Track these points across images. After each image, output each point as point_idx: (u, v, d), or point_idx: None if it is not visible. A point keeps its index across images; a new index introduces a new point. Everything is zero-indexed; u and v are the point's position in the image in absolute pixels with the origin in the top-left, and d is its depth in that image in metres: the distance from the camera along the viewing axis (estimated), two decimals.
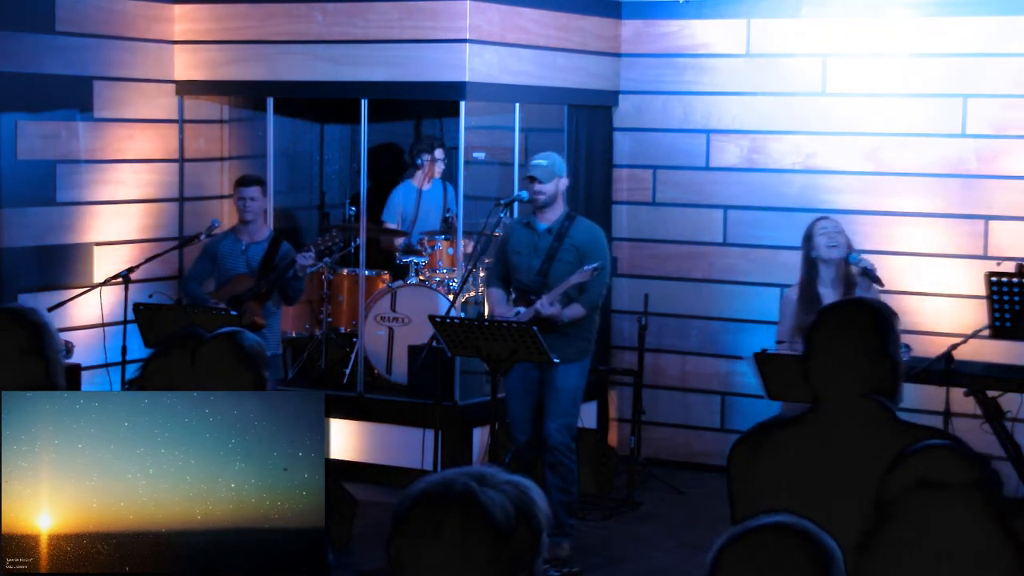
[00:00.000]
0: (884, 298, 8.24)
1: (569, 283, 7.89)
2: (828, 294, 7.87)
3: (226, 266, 8.83)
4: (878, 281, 7.93)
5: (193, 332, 4.38)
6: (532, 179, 8.02)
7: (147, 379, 4.28)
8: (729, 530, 2.45)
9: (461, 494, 2.35)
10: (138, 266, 9.01)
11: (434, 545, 2.33)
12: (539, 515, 2.40)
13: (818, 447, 3.55)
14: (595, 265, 7.86)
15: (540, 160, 8.11)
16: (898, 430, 3.51)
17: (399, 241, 10.30)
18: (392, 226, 10.31)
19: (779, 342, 7.92)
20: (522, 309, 7.98)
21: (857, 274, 7.90)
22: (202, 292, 8.84)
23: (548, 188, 8.01)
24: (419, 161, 10.41)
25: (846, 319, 3.66)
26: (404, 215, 10.39)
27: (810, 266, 7.99)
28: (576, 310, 7.95)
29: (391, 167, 10.98)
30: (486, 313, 8.57)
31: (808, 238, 8.06)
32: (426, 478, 2.40)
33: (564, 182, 8.14)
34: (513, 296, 8.18)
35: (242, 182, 8.95)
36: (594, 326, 8.19)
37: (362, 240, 9.80)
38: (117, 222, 9.65)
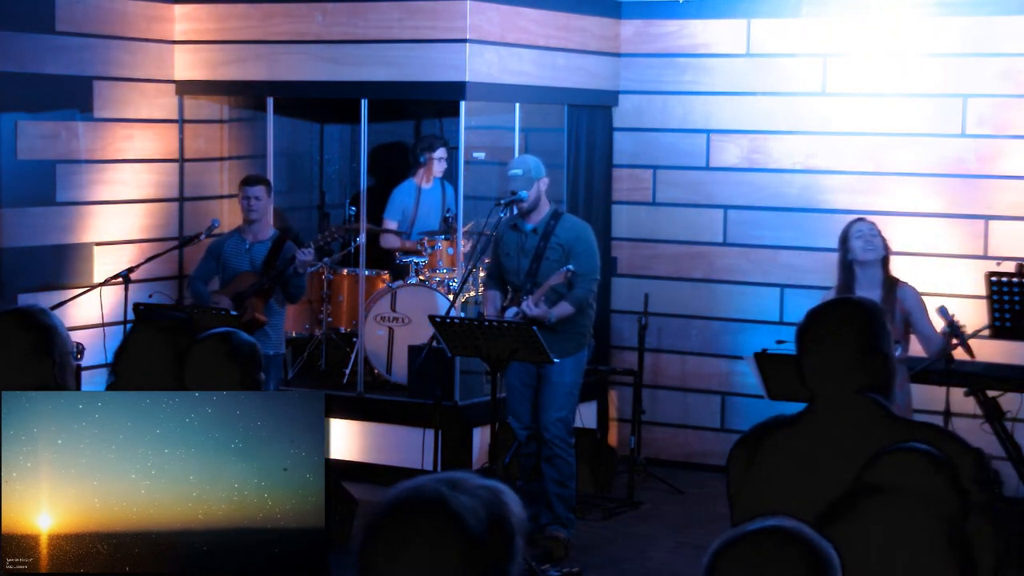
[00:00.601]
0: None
1: (548, 285, 7.92)
2: (867, 296, 7.61)
3: (230, 265, 8.85)
4: (965, 345, 7.52)
5: (174, 325, 4.36)
6: (513, 193, 8.05)
7: (119, 378, 4.28)
8: (724, 534, 2.44)
9: (433, 500, 2.32)
10: (138, 266, 9.02)
11: (407, 553, 2.30)
12: (513, 520, 2.37)
13: (816, 446, 3.55)
14: (569, 268, 7.87)
15: (515, 171, 8.09)
16: (894, 427, 3.51)
17: (396, 240, 10.31)
18: (393, 224, 10.32)
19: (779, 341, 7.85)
20: (515, 309, 8.01)
21: (944, 333, 7.54)
22: (206, 291, 8.86)
23: (530, 195, 8.04)
24: (422, 159, 10.42)
25: (837, 319, 3.66)
26: (405, 213, 10.40)
27: (847, 269, 7.68)
28: (564, 308, 7.97)
29: (396, 166, 10.99)
30: (485, 313, 8.58)
31: (844, 240, 7.71)
32: (398, 486, 2.37)
33: (544, 182, 8.14)
34: (509, 296, 8.22)
35: (247, 181, 8.97)
36: (587, 321, 8.19)
37: (362, 240, 9.80)
38: (117, 222, 9.65)
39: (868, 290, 7.57)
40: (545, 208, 8.13)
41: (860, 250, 7.64)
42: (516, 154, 9.73)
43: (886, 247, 7.71)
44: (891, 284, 7.64)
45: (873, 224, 7.77)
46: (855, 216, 8.06)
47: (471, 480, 2.38)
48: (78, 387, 8.34)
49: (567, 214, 8.37)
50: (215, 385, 4.00)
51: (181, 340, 4.31)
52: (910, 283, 7.68)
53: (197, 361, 4.16)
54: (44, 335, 4.24)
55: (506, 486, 2.42)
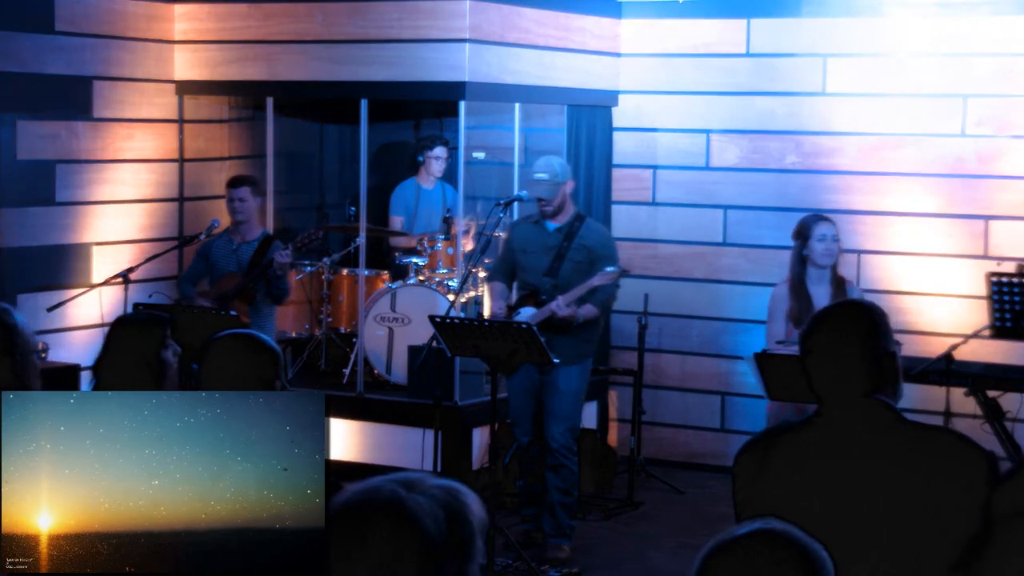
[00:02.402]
0: (883, 299, 8.22)
1: (589, 285, 7.84)
2: (818, 291, 7.81)
3: (218, 266, 8.88)
4: None
5: (153, 324, 4.32)
6: (540, 199, 7.98)
7: (100, 380, 4.25)
8: (715, 536, 2.42)
9: (387, 501, 2.32)
10: (138, 266, 9.02)
11: (362, 554, 2.30)
12: (471, 519, 2.37)
13: (825, 451, 3.50)
14: (616, 268, 7.85)
15: (542, 174, 7.98)
16: (905, 430, 3.47)
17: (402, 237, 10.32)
18: (399, 219, 10.34)
19: (779, 342, 7.86)
20: (532, 309, 7.95)
21: None
22: (193, 291, 8.88)
23: (556, 200, 7.99)
24: (420, 158, 10.43)
25: (842, 322, 3.62)
26: (408, 211, 10.42)
27: (802, 264, 7.89)
28: (589, 310, 7.93)
29: (399, 166, 10.99)
30: (486, 309, 8.56)
31: (803, 237, 7.88)
32: (352, 486, 2.37)
33: (570, 185, 8.09)
34: (516, 295, 8.18)
35: (232, 183, 8.99)
36: (598, 329, 8.21)
37: (362, 240, 9.80)
38: (117, 222, 9.65)
39: (818, 285, 7.83)
40: (570, 210, 8.10)
41: (819, 255, 7.85)
42: (516, 154, 9.73)
43: (840, 250, 7.95)
44: (840, 283, 7.88)
45: (834, 226, 7.96)
46: (813, 213, 8.29)
47: (427, 480, 2.37)
48: (76, 387, 8.35)
49: (590, 219, 8.34)
50: (234, 383, 3.99)
51: (160, 339, 4.29)
52: (856, 285, 7.84)
53: (217, 357, 4.13)
54: (4, 334, 4.23)
55: (464, 485, 2.41)
